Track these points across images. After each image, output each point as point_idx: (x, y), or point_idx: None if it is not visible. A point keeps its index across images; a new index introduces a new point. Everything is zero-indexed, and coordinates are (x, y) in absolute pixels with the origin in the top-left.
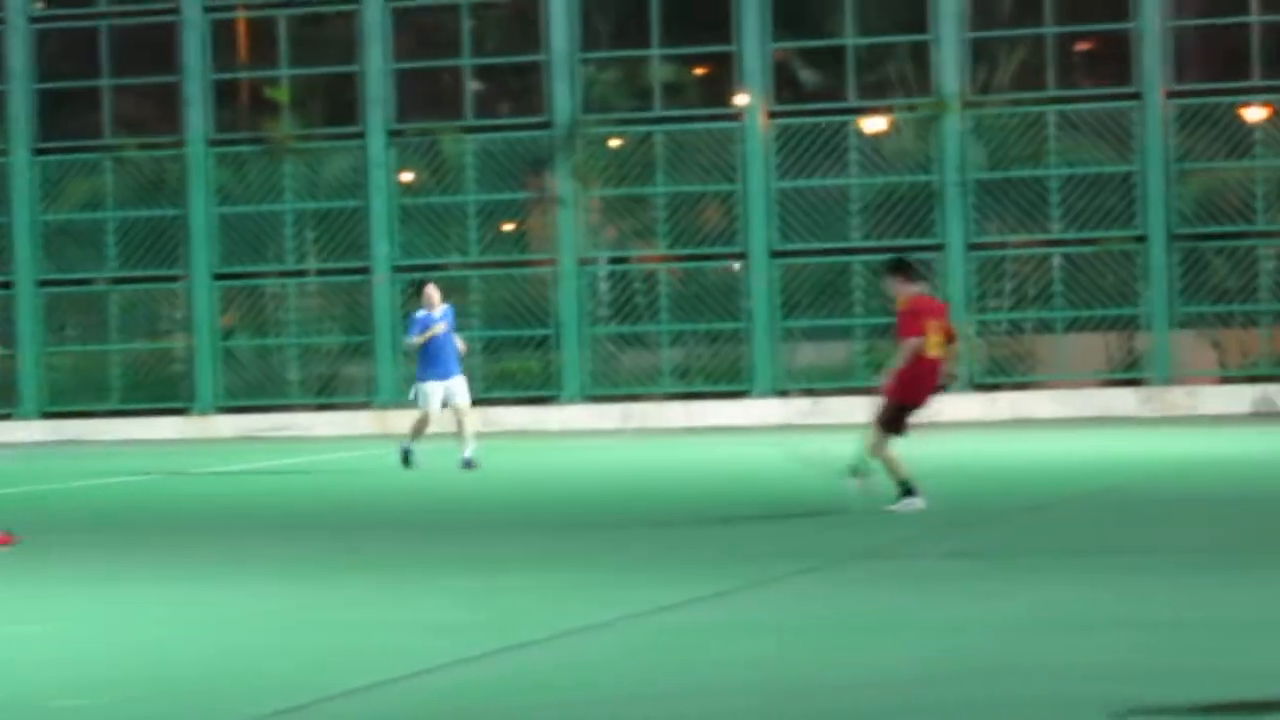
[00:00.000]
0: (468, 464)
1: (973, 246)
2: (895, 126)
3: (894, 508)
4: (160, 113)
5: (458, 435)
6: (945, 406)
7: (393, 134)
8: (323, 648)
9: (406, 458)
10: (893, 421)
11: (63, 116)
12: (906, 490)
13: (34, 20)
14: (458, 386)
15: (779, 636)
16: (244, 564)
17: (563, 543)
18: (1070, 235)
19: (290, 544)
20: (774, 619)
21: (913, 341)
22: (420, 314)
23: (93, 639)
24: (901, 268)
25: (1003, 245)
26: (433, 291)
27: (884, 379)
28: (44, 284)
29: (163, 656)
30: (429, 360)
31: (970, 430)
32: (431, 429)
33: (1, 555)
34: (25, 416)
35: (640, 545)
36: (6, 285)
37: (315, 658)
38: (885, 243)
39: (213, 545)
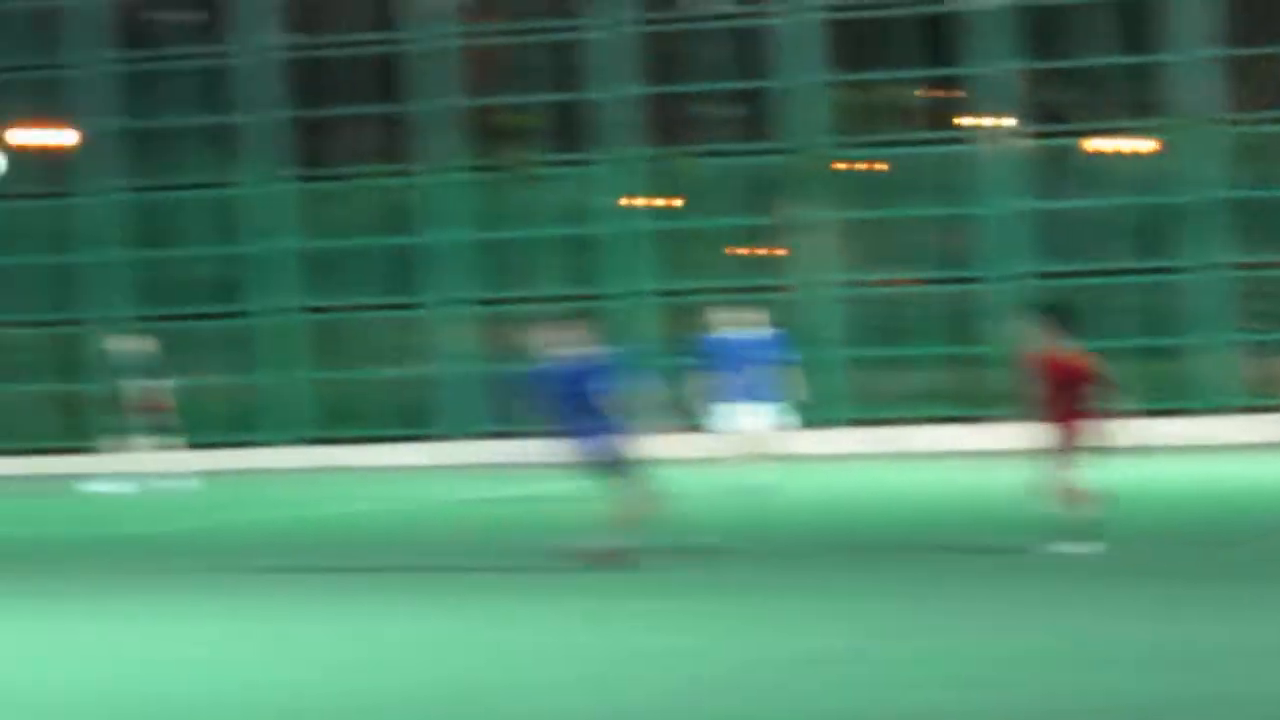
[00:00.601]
0: (749, 490)
1: (1226, 267)
2: (1143, 146)
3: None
4: (403, 140)
5: (743, 460)
6: (1217, 429)
7: (635, 160)
8: (546, 672)
9: (760, 490)
10: None
11: (309, 144)
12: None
13: (280, 49)
14: (760, 412)
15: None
16: (470, 589)
17: (849, 570)
18: None
19: (522, 570)
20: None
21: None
22: (719, 335)
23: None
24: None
25: (1261, 265)
26: (748, 315)
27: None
28: (306, 310)
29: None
30: (736, 383)
31: (1240, 452)
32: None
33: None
34: (291, 443)
35: (900, 571)
36: (258, 313)
37: (536, 681)
38: (1129, 264)
39: (451, 572)
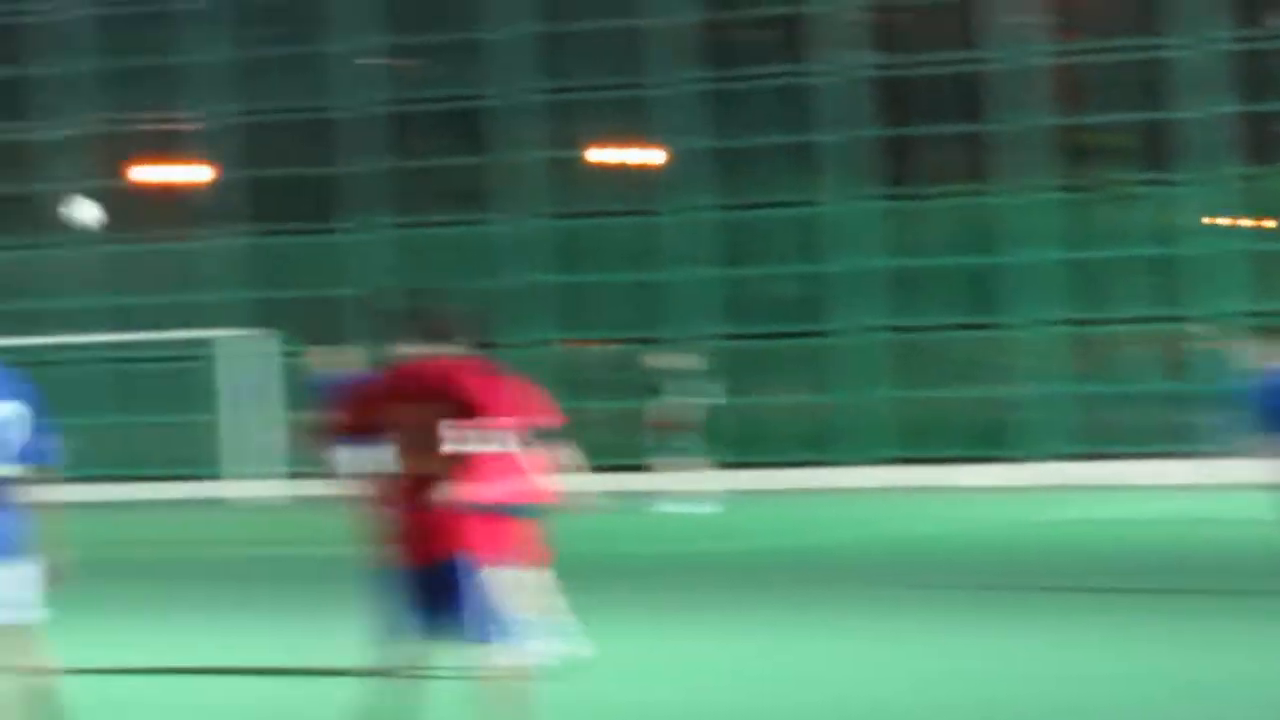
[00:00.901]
0: None
1: None
2: None
3: None
4: (986, 159)
5: None
6: None
7: (1224, 179)
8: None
9: None
10: None
11: (893, 163)
12: None
13: (863, 68)
14: None
15: None
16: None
17: None
18: None
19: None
20: None
21: None
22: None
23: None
24: None
25: None
26: None
27: None
28: (888, 329)
29: None
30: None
31: None
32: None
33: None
34: (868, 463)
35: None
36: (839, 332)
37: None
38: None
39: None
